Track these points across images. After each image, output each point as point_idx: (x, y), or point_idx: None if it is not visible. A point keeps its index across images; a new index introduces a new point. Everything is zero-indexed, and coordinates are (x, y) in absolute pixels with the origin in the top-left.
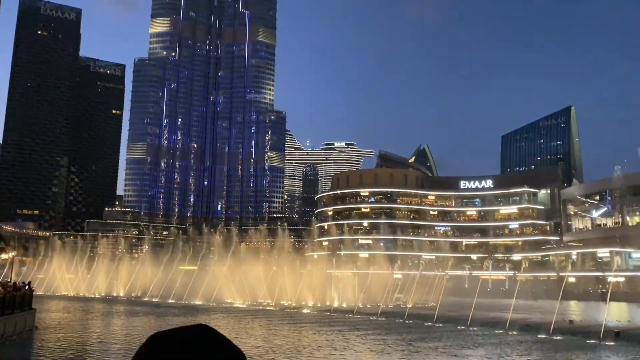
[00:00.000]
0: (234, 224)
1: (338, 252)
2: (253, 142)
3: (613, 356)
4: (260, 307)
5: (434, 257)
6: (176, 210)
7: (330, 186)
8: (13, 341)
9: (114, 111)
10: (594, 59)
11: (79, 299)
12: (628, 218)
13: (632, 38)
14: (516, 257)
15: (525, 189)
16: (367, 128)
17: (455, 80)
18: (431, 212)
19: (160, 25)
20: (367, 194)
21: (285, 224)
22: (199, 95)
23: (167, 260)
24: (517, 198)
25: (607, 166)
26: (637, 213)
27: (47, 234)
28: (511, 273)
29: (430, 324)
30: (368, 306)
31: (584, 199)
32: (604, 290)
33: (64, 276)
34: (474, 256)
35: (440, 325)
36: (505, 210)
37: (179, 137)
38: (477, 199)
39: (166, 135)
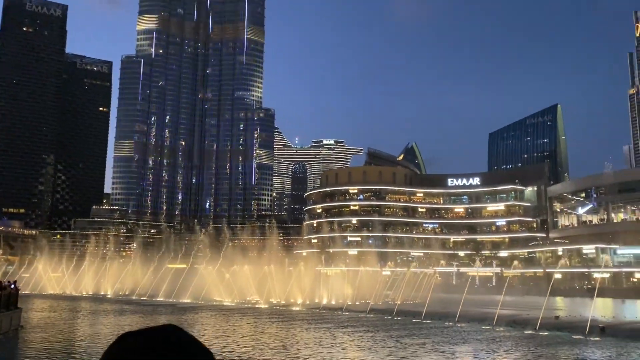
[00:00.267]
0: (222, 221)
1: (327, 250)
2: (241, 139)
3: (598, 351)
4: (249, 305)
5: (422, 254)
6: (164, 208)
7: (319, 184)
8: None
9: (101, 108)
10: (580, 58)
11: (66, 298)
12: (613, 215)
13: (617, 37)
14: (503, 253)
15: (512, 186)
16: (356, 126)
17: (443, 79)
18: (419, 210)
19: (148, 22)
20: (356, 191)
21: (274, 221)
22: (187, 92)
23: (155, 258)
24: (504, 195)
25: (593, 163)
26: (622, 210)
27: (34, 232)
28: (498, 270)
29: (418, 320)
30: (357, 303)
31: (570, 196)
32: (589, 286)
33: (50, 275)
34: (461, 253)
35: (429, 321)
36: (492, 207)
37: (166, 135)
38: (465, 196)
39: (154, 133)
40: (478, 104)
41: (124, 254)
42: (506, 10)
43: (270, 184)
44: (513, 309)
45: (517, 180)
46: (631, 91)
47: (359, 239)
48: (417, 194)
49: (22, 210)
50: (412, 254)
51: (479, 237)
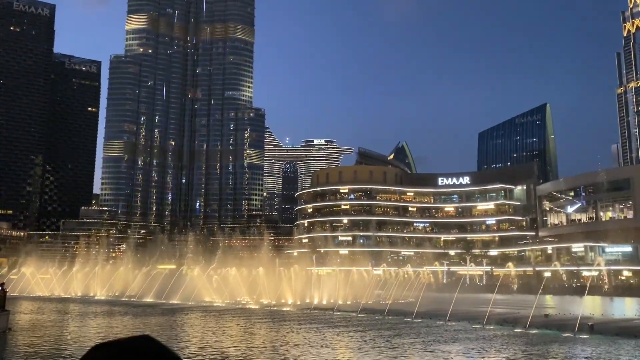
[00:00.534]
0: (213, 222)
1: (318, 250)
2: (232, 139)
3: (588, 349)
4: (240, 306)
5: (413, 253)
6: (154, 208)
7: (310, 183)
8: None
9: (89, 109)
10: (568, 58)
11: (54, 300)
12: (602, 213)
13: (605, 36)
14: (493, 252)
15: (502, 185)
16: (346, 125)
17: (433, 79)
18: (410, 209)
19: (137, 22)
20: (346, 190)
21: (265, 221)
22: (177, 92)
23: (145, 259)
24: (494, 194)
25: (582, 162)
26: (611, 208)
27: (22, 233)
28: (488, 268)
29: (409, 319)
30: (348, 303)
31: (559, 195)
32: (578, 284)
33: (38, 277)
34: (452, 252)
35: (419, 320)
36: (482, 206)
37: (156, 135)
38: (455, 196)
39: (143, 133)
40: (468, 103)
41: (114, 255)
42: (495, 12)
43: (261, 184)
44: (504, 307)
45: (506, 180)
46: (619, 90)
47: (350, 238)
48: (408, 193)
49: (10, 212)
50: (403, 253)
51: (469, 236)
